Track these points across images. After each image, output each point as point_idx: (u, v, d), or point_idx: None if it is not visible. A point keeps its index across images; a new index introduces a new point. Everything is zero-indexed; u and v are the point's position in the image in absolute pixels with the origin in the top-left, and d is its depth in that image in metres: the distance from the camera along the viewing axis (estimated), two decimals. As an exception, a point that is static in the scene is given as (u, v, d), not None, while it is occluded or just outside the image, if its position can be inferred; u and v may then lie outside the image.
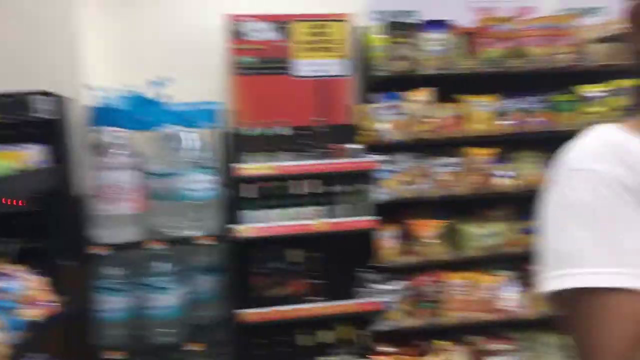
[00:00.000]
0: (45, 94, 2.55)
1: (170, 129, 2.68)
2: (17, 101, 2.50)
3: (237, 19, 2.99)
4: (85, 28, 2.82)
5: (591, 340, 0.76)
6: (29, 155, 2.32)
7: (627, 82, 2.87)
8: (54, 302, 2.20)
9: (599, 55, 2.90)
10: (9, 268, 2.10)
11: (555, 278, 0.78)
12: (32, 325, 1.97)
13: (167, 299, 2.59)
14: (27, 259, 2.19)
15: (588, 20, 3.06)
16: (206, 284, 2.76)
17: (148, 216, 2.65)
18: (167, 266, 2.63)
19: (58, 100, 2.61)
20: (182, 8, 3.09)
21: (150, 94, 2.72)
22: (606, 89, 2.92)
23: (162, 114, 2.69)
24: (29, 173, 2.24)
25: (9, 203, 2.18)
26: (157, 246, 2.57)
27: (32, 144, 2.40)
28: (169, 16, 3.07)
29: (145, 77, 2.73)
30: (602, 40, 2.82)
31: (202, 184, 2.68)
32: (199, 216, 2.67)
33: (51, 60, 2.72)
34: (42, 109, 2.53)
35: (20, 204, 2.23)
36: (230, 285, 2.71)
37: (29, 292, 2.07)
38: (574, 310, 0.78)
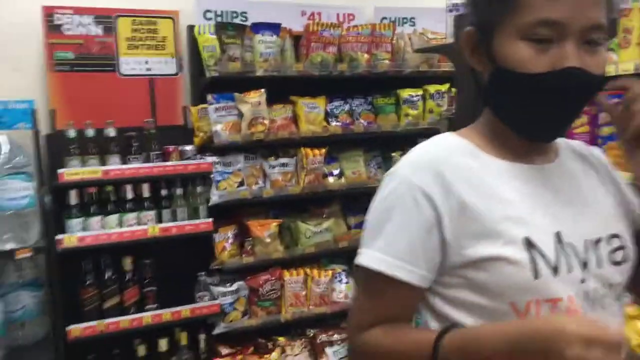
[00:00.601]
0: None
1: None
2: None
3: (53, 10, 2.75)
4: None
5: (354, 307, 0.94)
6: None
7: (438, 87, 3.19)
8: None
9: (414, 61, 3.18)
10: None
11: (357, 254, 0.92)
12: None
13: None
14: None
15: (403, 29, 3.34)
16: (28, 300, 2.51)
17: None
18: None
19: None
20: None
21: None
22: (421, 93, 3.21)
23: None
24: None
25: None
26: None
27: None
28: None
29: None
30: (417, 49, 3.08)
31: (18, 191, 2.42)
32: (15, 227, 2.42)
33: None
34: None
35: None
36: (56, 299, 2.50)
37: None
38: (355, 281, 0.97)
